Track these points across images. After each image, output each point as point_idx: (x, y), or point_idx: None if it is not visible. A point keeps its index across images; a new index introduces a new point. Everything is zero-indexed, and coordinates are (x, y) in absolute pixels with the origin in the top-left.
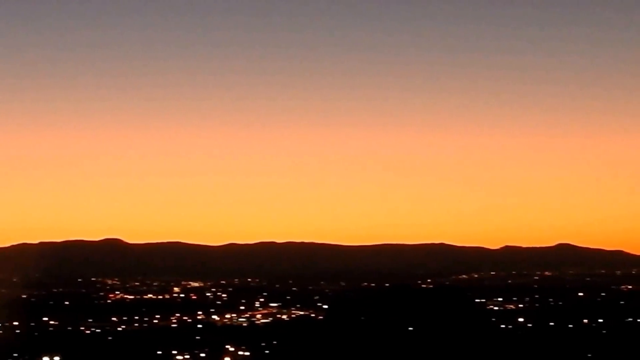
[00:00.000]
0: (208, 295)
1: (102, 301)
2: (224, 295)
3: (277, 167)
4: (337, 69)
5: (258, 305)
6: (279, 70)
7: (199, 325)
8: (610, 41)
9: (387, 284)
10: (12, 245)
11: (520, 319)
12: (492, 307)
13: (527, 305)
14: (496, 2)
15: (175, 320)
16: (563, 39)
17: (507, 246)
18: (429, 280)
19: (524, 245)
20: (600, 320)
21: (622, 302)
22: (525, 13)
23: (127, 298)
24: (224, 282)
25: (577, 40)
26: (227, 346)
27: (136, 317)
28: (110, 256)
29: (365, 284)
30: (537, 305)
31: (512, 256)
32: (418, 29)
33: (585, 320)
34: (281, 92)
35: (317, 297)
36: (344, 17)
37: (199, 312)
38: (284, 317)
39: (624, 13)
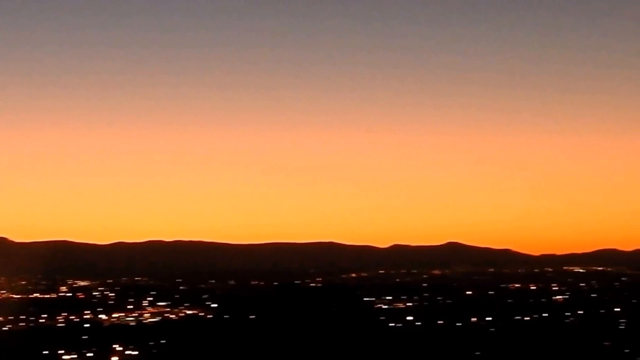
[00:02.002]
0: (95, 295)
1: None
2: (111, 294)
3: (165, 165)
4: (224, 69)
5: (146, 304)
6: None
7: (86, 325)
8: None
9: (276, 283)
10: None
11: (409, 318)
12: (381, 305)
13: (416, 303)
14: None
15: (62, 320)
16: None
17: (396, 245)
18: (318, 279)
19: (413, 244)
20: (489, 319)
21: (509, 301)
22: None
23: (13, 297)
24: (111, 281)
25: (481, 38)
26: (114, 346)
27: (22, 317)
28: None
29: (255, 282)
30: (425, 303)
31: (401, 255)
32: (304, 27)
33: (474, 319)
34: (164, 92)
35: (206, 296)
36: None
37: (86, 312)
38: (173, 316)
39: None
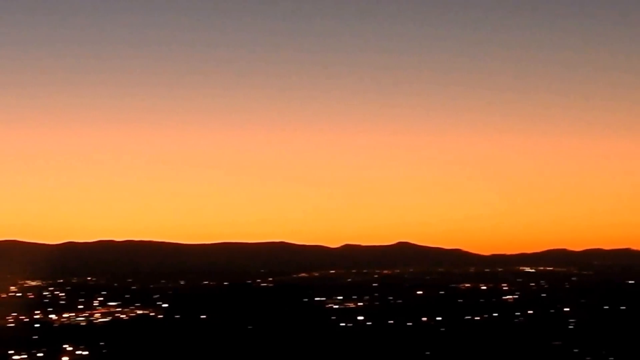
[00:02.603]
0: (46, 294)
1: None
2: (62, 294)
3: (115, 164)
4: (170, 69)
5: (97, 304)
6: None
7: (37, 325)
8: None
9: (227, 283)
10: None
11: (360, 317)
12: (332, 305)
13: (367, 303)
14: None
15: (12, 320)
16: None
17: (347, 245)
18: (269, 279)
19: (364, 244)
20: (439, 318)
21: (460, 300)
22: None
23: None
24: (62, 281)
25: (420, 37)
26: (65, 346)
27: None
28: None
29: (206, 282)
30: (376, 303)
31: (352, 255)
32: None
33: (425, 318)
34: (109, 92)
35: (157, 296)
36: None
37: (37, 312)
38: (124, 316)
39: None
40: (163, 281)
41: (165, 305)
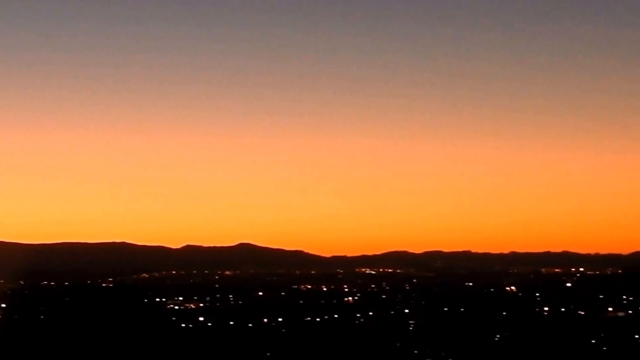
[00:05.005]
0: None
1: None
2: None
3: None
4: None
5: None
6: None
7: None
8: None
9: (67, 283)
10: None
11: (201, 318)
12: (172, 306)
13: (208, 304)
14: None
15: None
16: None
17: (188, 245)
18: (109, 279)
19: (205, 245)
20: (280, 319)
21: (301, 302)
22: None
23: None
24: None
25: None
26: None
27: None
28: None
29: (45, 282)
30: (218, 304)
31: (193, 255)
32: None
33: (265, 320)
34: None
35: None
36: None
37: None
38: None
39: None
40: (1, 281)
41: (4, 305)
